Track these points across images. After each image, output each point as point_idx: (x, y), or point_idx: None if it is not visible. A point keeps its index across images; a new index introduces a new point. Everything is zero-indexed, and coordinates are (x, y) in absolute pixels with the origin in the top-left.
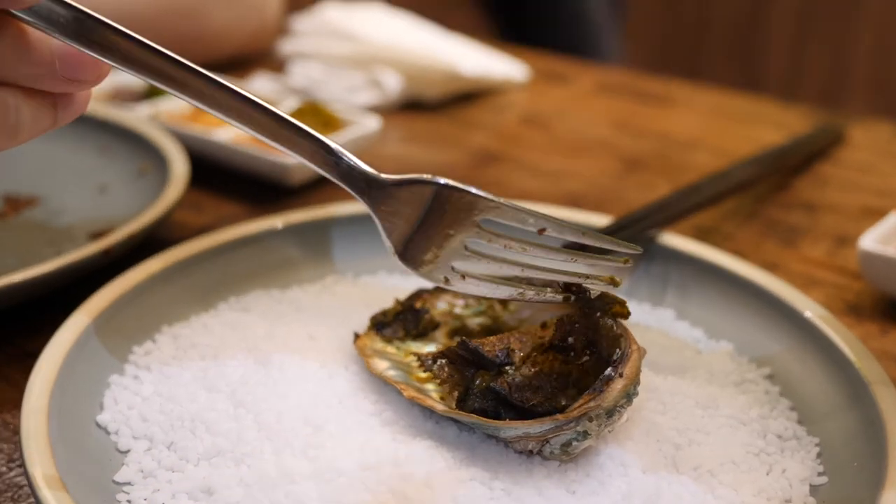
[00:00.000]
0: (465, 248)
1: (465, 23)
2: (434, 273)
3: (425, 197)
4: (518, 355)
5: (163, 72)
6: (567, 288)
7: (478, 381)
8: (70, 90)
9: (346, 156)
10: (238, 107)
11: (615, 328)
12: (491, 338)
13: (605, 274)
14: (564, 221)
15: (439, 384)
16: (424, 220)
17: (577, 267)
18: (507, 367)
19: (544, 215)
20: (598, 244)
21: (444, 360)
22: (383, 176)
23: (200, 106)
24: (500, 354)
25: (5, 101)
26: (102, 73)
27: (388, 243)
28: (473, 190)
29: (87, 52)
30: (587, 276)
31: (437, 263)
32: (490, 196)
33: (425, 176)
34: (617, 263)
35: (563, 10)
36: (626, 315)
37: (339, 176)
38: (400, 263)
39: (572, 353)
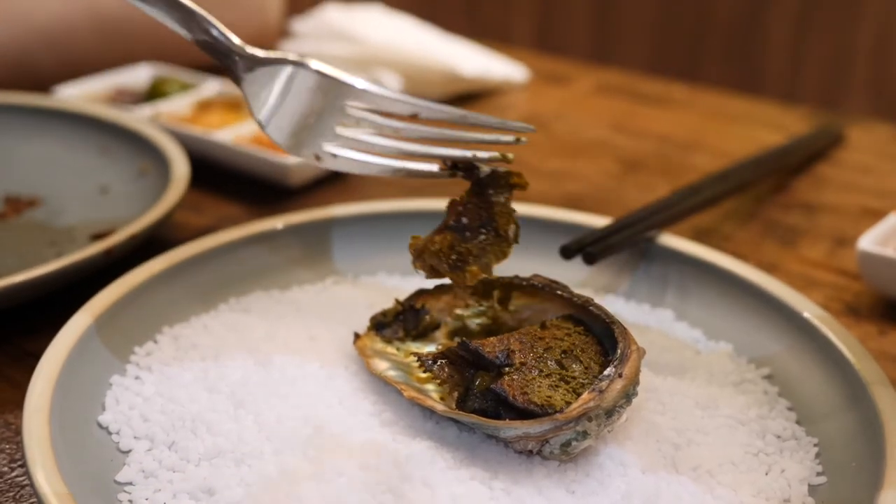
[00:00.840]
0: (335, 130)
1: (464, 25)
2: (303, 150)
3: (291, 77)
4: (518, 356)
5: None
6: (454, 165)
7: (478, 382)
8: None
9: (214, 26)
10: None
11: (510, 204)
12: (491, 339)
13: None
14: (439, 106)
15: (439, 384)
16: (292, 99)
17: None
18: (506, 368)
19: (416, 101)
20: (484, 124)
21: (444, 361)
22: (250, 50)
23: None
24: (500, 355)
25: None
26: None
27: (255, 116)
28: (338, 75)
29: None
30: (475, 154)
31: (307, 140)
32: (354, 82)
33: (291, 55)
34: (508, 139)
35: None
36: (525, 185)
37: (205, 46)
38: (276, 140)
39: (468, 233)
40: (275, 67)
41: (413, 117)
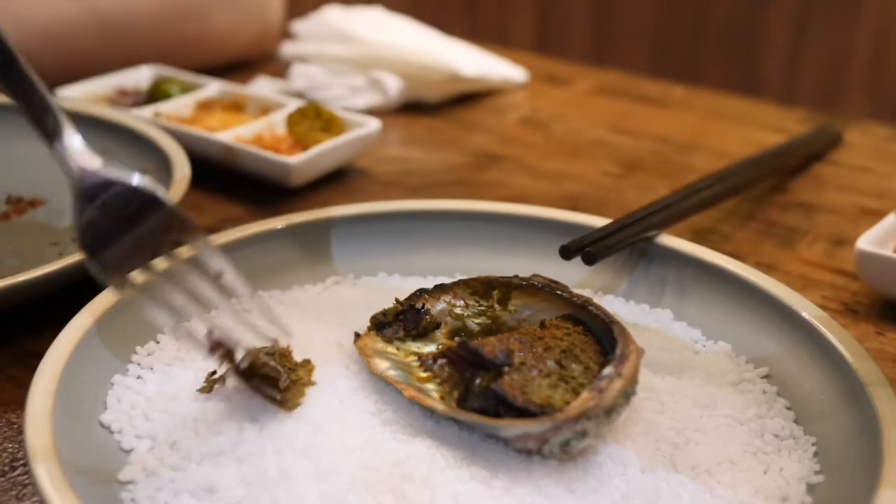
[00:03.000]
0: (146, 261)
1: (464, 27)
2: (112, 273)
3: (126, 197)
4: (518, 356)
5: None
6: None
7: (478, 382)
8: None
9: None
10: None
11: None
12: (491, 338)
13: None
14: (242, 282)
15: (440, 384)
16: (113, 213)
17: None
18: (506, 368)
19: (226, 266)
20: (261, 313)
21: (444, 360)
22: (92, 167)
23: None
24: (500, 355)
25: None
26: None
27: (75, 224)
28: (172, 206)
29: None
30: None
31: (117, 264)
32: (188, 220)
33: (134, 182)
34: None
35: None
36: (287, 398)
37: (51, 148)
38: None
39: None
40: (111, 186)
41: (217, 277)
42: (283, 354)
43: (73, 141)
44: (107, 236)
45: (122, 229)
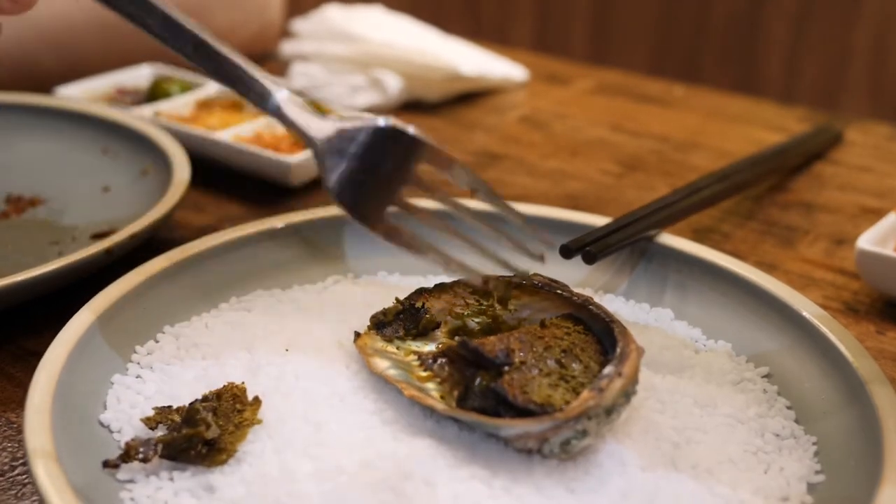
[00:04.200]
0: (400, 197)
1: (464, 26)
2: (372, 220)
3: (367, 136)
4: (518, 355)
5: None
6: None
7: (478, 381)
8: None
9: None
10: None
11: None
12: (491, 338)
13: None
14: (494, 193)
15: (440, 383)
16: (364, 160)
17: (495, 247)
18: (506, 367)
19: (477, 180)
20: (517, 225)
21: (444, 360)
22: (331, 118)
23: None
24: (500, 354)
25: None
26: None
27: (328, 182)
28: (414, 132)
29: None
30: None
31: (374, 209)
32: (431, 141)
33: (366, 115)
34: (532, 257)
35: None
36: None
37: (286, 122)
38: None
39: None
40: (352, 129)
41: (472, 192)
42: (236, 394)
43: (288, 104)
44: (361, 185)
45: (372, 173)
